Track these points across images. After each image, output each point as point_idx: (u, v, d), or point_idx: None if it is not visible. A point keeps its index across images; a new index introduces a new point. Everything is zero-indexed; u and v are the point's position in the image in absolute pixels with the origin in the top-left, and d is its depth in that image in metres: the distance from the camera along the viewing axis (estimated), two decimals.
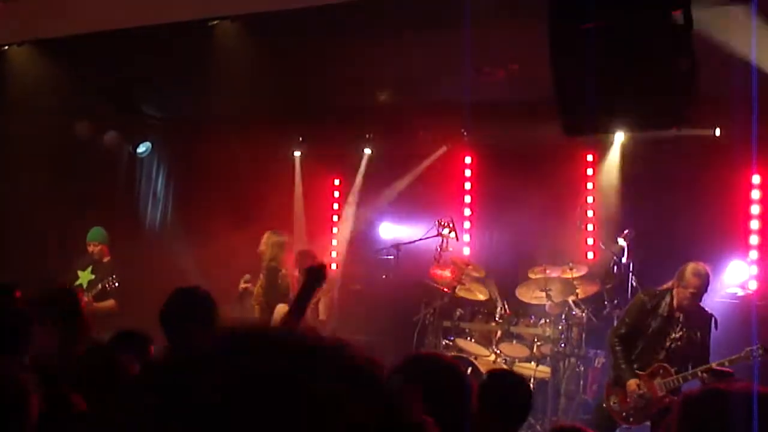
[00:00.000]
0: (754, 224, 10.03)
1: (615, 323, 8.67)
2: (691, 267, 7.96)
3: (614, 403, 8.12)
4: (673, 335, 8.02)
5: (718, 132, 10.08)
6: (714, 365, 7.76)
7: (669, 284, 8.17)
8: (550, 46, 6.49)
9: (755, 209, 10.06)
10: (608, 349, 8.50)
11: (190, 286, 5.33)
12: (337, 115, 11.95)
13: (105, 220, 11.03)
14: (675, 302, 8.01)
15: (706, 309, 8.15)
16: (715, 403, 2.47)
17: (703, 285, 7.92)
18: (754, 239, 10.01)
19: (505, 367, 9.82)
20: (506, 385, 4.96)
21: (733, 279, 9.80)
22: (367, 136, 12.31)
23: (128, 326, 9.80)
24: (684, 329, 7.99)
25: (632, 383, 7.97)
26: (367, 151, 12.53)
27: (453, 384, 3.19)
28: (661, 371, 7.96)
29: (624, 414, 8.05)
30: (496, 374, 5.48)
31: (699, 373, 7.75)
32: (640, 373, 8.03)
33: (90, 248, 10.71)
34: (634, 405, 7.99)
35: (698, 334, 7.99)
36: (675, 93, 6.15)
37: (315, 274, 5.32)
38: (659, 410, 7.83)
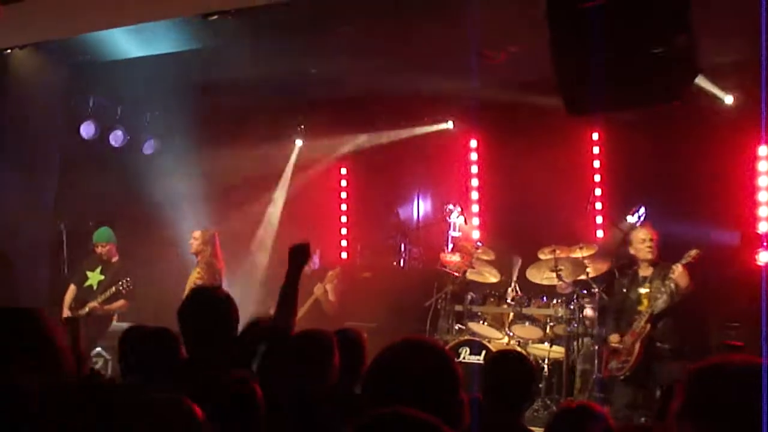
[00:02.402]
0: (762, 196, 10.00)
1: (608, 307, 9.49)
2: (631, 232, 9.30)
3: (612, 365, 8.91)
4: (643, 291, 8.94)
5: (730, 100, 10.10)
6: None
7: (633, 258, 9.23)
8: (549, 25, 6.48)
9: (763, 181, 10.03)
10: (606, 330, 9.34)
11: (209, 286, 5.28)
12: (341, 103, 11.93)
13: (112, 220, 11.09)
14: (642, 268, 9.07)
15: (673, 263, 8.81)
16: (723, 376, 2.47)
17: (648, 233, 9.02)
18: (762, 211, 9.98)
19: (518, 349, 9.82)
20: (506, 366, 4.92)
21: (742, 250, 9.80)
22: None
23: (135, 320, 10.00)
24: (652, 282, 8.90)
25: (612, 337, 8.98)
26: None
27: (439, 370, 3.17)
28: (636, 317, 8.85)
29: (621, 366, 8.78)
30: (496, 356, 5.45)
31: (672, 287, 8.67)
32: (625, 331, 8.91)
33: (98, 249, 10.76)
34: (622, 351, 8.81)
35: (669, 279, 8.72)
36: (675, 68, 6.15)
37: (298, 253, 5.25)
38: (643, 343, 8.63)
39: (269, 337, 4.90)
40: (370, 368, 3.27)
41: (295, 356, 4.73)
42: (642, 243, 8.99)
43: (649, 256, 8.99)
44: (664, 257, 9.07)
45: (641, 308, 8.88)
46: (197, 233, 10.80)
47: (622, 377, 8.79)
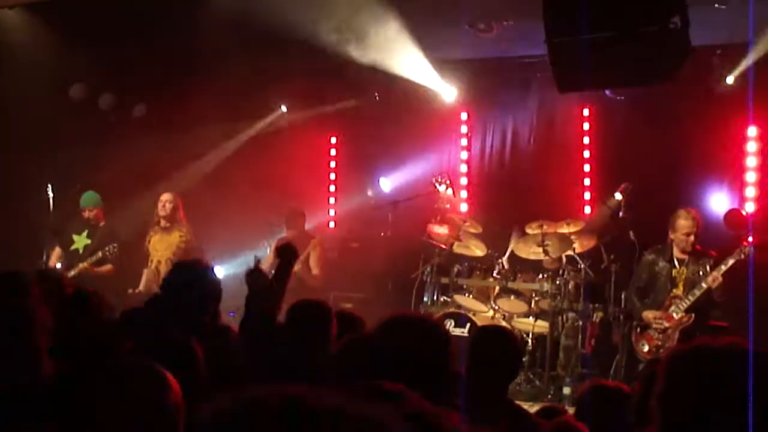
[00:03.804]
0: (750, 176, 10.05)
1: (631, 283, 9.28)
2: (677, 213, 8.91)
3: (642, 345, 8.83)
4: (678, 275, 8.80)
5: (731, 80, 10.07)
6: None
7: (669, 238, 8.94)
8: (543, 2, 6.47)
9: (751, 161, 10.07)
10: (629, 306, 9.22)
11: (192, 259, 5.39)
12: (329, 71, 11.87)
13: (97, 183, 11.04)
14: (677, 250, 8.84)
15: (712, 251, 8.80)
16: (702, 360, 2.47)
17: (693, 226, 8.75)
18: (750, 191, 10.03)
19: (503, 323, 9.87)
20: (494, 341, 4.95)
21: (729, 230, 9.83)
22: (376, 95, 12.21)
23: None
24: (688, 266, 8.78)
25: (647, 314, 8.81)
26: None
27: (434, 344, 3.20)
28: (673, 300, 8.72)
29: (654, 349, 8.68)
30: (484, 331, 5.48)
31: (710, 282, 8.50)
32: (657, 311, 8.78)
33: (85, 213, 10.70)
34: (658, 337, 8.72)
35: (706, 268, 8.65)
36: (668, 48, 6.15)
37: (286, 251, 5.38)
38: (683, 332, 8.51)
39: (255, 323, 5.01)
40: (361, 342, 3.30)
41: (299, 325, 4.79)
42: (686, 236, 8.75)
43: (689, 249, 8.79)
44: (652, 238, 9.15)
45: (677, 292, 8.77)
46: (169, 196, 10.75)
47: (650, 359, 8.51)
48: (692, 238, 8.76)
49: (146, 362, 3.06)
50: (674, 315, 8.64)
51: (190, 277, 4.95)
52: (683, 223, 8.79)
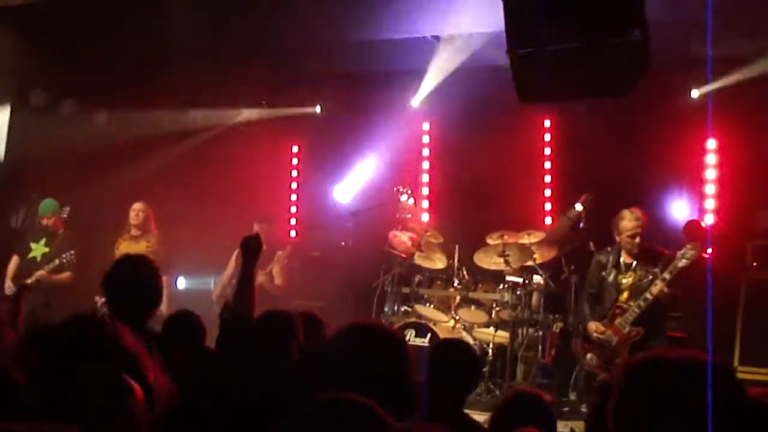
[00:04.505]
0: (710, 188, 10.13)
1: (584, 290, 9.18)
2: (621, 214, 8.76)
3: (591, 358, 8.65)
4: (625, 280, 8.65)
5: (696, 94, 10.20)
6: None
7: (616, 240, 8.84)
8: (504, 11, 6.48)
9: (710, 174, 10.15)
10: (580, 314, 9.10)
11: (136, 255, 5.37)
12: (295, 80, 11.87)
13: (59, 189, 10.94)
14: (624, 253, 8.72)
15: (662, 249, 8.66)
16: (657, 372, 2.46)
17: (638, 226, 8.61)
18: (709, 203, 10.11)
19: (463, 333, 9.87)
20: (453, 354, 4.96)
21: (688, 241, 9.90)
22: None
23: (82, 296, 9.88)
24: (635, 271, 8.61)
25: (591, 325, 8.64)
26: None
27: (391, 354, 3.19)
28: (617, 311, 8.53)
29: (604, 365, 8.48)
30: (443, 344, 5.51)
31: (652, 293, 8.32)
32: (603, 321, 8.58)
33: (44, 221, 10.63)
34: (605, 351, 8.51)
35: (654, 271, 8.45)
36: (628, 62, 6.17)
37: (250, 245, 5.32)
38: (633, 346, 8.31)
39: (232, 322, 4.97)
40: (321, 352, 3.28)
41: (263, 335, 4.77)
42: (631, 239, 8.63)
43: (635, 252, 8.65)
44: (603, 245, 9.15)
45: (622, 299, 8.63)
46: (140, 205, 10.74)
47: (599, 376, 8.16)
48: (637, 239, 8.65)
49: (112, 370, 3.07)
50: (622, 329, 8.46)
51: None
52: (627, 225, 8.68)
